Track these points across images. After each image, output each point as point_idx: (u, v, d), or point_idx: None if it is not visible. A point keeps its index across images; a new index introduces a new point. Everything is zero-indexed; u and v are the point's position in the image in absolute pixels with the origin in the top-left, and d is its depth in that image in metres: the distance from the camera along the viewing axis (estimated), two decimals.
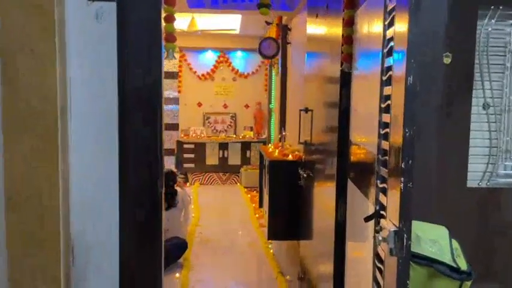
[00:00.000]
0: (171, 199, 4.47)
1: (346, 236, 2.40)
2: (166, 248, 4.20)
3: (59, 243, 2.06)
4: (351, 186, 2.31)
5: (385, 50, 1.63)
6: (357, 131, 2.20)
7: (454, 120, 2.13)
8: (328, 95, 2.89)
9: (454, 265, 1.48)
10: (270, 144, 5.47)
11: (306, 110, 3.47)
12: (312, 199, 3.30)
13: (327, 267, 2.63)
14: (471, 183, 2.16)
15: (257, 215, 6.03)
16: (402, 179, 1.31)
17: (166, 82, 8.63)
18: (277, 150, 4.59)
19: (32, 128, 1.99)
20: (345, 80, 2.46)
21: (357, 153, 2.18)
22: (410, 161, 1.31)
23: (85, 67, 2.20)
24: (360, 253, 2.09)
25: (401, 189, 1.32)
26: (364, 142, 2.01)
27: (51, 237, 2.05)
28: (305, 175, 3.39)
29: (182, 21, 6.38)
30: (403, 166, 1.31)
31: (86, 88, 2.21)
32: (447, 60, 2.06)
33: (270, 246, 4.65)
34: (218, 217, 6.11)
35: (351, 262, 2.28)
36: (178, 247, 4.30)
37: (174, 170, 5.32)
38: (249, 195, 7.27)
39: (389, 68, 1.58)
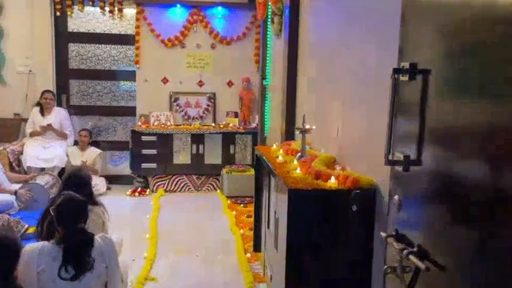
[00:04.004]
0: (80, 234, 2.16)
1: None
2: None
3: None
4: None
5: None
6: None
7: None
8: None
9: None
10: (274, 145, 3.14)
11: (413, 72, 1.23)
12: None
13: None
14: None
15: (249, 255, 3.81)
16: None
17: (118, 50, 6.25)
18: (296, 163, 2.33)
19: None
20: None
21: None
22: None
23: None
24: None
25: None
26: None
27: None
28: (421, 265, 1.15)
29: None
30: None
31: None
32: None
33: None
34: (186, 257, 3.85)
35: None
36: None
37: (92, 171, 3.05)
38: (234, 212, 5.01)
39: None
